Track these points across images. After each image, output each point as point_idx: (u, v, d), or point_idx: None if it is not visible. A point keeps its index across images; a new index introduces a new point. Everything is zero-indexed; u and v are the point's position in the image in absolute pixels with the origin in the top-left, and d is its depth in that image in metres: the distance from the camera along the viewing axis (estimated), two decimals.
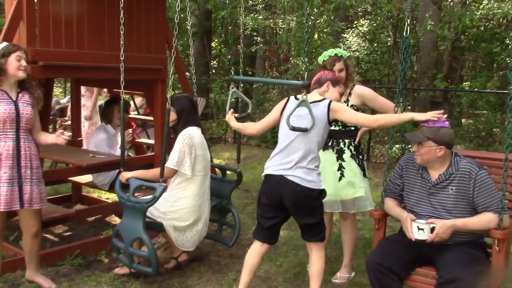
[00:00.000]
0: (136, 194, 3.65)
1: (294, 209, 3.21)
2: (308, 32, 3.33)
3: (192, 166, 3.69)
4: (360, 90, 3.81)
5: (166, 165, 3.64)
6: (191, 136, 3.70)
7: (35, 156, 3.41)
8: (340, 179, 3.72)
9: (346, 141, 3.78)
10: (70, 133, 3.56)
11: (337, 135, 3.77)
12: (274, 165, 3.21)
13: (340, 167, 3.74)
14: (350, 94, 3.79)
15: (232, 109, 3.63)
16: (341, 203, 3.77)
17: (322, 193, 3.20)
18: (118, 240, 3.67)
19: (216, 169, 4.70)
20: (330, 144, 3.78)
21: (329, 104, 3.16)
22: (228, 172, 4.49)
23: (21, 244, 3.70)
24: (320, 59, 3.84)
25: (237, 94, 3.89)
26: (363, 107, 3.86)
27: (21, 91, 3.39)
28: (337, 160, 3.76)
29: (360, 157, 3.82)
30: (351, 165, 3.75)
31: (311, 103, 3.13)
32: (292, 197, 3.14)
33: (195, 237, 3.81)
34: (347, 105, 3.75)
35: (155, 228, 3.79)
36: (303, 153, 3.13)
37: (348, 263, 3.94)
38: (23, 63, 3.32)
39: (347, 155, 3.76)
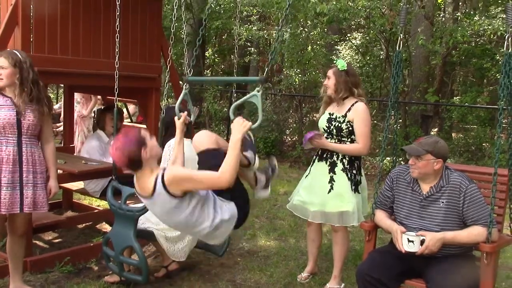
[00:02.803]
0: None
1: None
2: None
3: None
4: (360, 107, 3.72)
5: None
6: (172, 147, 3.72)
7: (39, 161, 3.43)
8: (329, 191, 3.74)
9: (341, 154, 3.77)
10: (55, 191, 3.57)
11: None
12: None
13: (331, 180, 3.76)
14: (349, 109, 3.74)
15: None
16: (325, 215, 3.77)
17: None
18: (108, 248, 3.66)
19: None
20: (324, 156, 3.82)
21: (162, 179, 2.62)
22: None
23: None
24: None
25: (187, 97, 3.42)
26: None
27: (28, 98, 3.35)
28: (329, 173, 3.77)
29: (354, 171, 3.78)
30: (341, 178, 3.75)
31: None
32: None
33: (186, 248, 3.82)
34: (344, 120, 3.72)
35: (146, 236, 3.79)
36: None
37: (338, 274, 3.95)
38: None
39: (338, 168, 3.76)
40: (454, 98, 11.66)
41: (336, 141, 3.78)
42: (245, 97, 2.77)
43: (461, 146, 9.50)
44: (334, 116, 3.78)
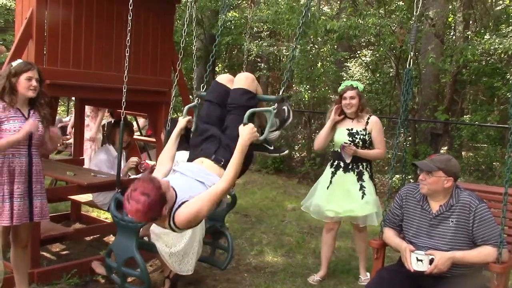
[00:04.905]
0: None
1: None
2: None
3: None
4: (375, 120, 4.27)
5: None
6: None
7: (41, 171, 3.52)
8: (362, 197, 4.15)
9: (365, 164, 4.24)
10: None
11: (357, 158, 4.20)
12: None
13: (362, 187, 4.18)
14: (367, 123, 4.23)
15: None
16: (364, 218, 4.20)
17: None
18: (111, 260, 3.66)
19: None
20: (350, 167, 4.22)
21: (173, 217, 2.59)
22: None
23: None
24: (339, 89, 4.35)
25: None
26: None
27: (32, 109, 3.45)
28: (358, 181, 4.19)
29: (373, 179, 4.31)
30: (369, 185, 4.21)
31: None
32: None
33: (192, 261, 3.80)
34: (365, 133, 4.20)
35: (148, 248, 3.77)
36: None
37: (365, 266, 4.39)
38: (34, 83, 3.37)
39: (366, 176, 4.22)
40: (464, 116, 11.59)
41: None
42: (261, 108, 2.85)
43: (471, 165, 9.43)
44: (354, 131, 4.24)
